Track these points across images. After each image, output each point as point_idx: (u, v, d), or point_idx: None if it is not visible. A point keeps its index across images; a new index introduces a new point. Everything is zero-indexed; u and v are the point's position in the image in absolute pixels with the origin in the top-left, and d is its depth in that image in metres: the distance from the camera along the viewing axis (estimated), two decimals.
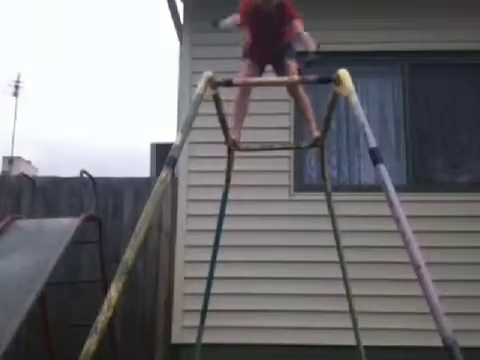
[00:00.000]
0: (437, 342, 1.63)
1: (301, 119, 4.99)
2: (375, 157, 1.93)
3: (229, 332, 4.59)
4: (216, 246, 3.39)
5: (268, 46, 3.00)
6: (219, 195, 3.34)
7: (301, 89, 3.10)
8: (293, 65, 2.96)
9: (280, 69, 3.07)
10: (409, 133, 4.99)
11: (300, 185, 4.93)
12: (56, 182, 5.37)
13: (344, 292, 3.35)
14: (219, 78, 2.45)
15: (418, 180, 4.92)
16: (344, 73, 2.23)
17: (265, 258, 4.69)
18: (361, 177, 5.08)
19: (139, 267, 4.99)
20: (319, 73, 2.57)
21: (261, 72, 3.15)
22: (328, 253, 3.89)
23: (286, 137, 4.90)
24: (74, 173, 5.16)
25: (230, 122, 3.01)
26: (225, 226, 3.39)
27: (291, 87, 3.08)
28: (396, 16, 5.01)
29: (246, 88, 3.01)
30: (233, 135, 3.03)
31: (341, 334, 4.23)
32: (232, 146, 3.08)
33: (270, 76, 3.15)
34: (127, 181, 5.33)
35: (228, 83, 2.51)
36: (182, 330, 4.64)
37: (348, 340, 3.68)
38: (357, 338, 3.40)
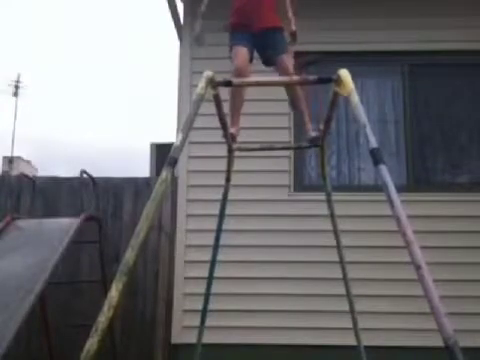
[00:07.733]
0: (437, 342, 1.63)
1: (301, 119, 5.02)
2: (376, 157, 1.92)
3: (229, 332, 4.58)
4: (216, 246, 3.39)
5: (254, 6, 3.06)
6: (219, 195, 3.34)
7: (299, 88, 3.09)
8: (287, 59, 2.98)
9: (271, 61, 3.06)
10: (409, 133, 4.99)
11: (300, 185, 4.93)
12: (56, 182, 5.37)
13: (344, 292, 3.35)
14: (219, 78, 2.44)
15: (418, 180, 4.92)
16: (345, 73, 2.22)
17: (265, 258, 4.69)
18: (361, 177, 5.08)
19: (139, 267, 4.99)
20: (319, 73, 2.57)
21: (251, 52, 3.10)
22: (328, 253, 3.89)
23: (286, 137, 4.90)
24: (74, 173, 5.17)
25: (229, 119, 2.99)
26: (225, 226, 3.39)
27: (289, 86, 3.06)
28: (396, 16, 5.01)
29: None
30: (232, 129, 2.99)
31: (341, 334, 4.23)
32: (230, 141, 3.01)
33: (270, 76, 3.14)
34: (127, 181, 5.33)
35: (228, 83, 2.50)
36: (182, 330, 4.64)
37: (348, 340, 3.68)
38: (357, 338, 3.39)
